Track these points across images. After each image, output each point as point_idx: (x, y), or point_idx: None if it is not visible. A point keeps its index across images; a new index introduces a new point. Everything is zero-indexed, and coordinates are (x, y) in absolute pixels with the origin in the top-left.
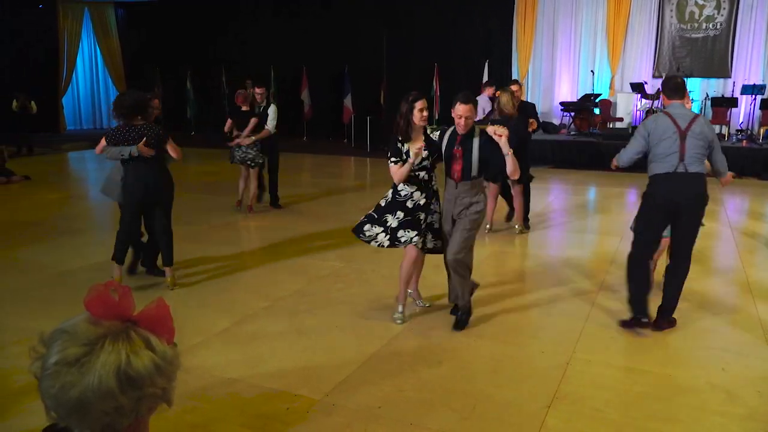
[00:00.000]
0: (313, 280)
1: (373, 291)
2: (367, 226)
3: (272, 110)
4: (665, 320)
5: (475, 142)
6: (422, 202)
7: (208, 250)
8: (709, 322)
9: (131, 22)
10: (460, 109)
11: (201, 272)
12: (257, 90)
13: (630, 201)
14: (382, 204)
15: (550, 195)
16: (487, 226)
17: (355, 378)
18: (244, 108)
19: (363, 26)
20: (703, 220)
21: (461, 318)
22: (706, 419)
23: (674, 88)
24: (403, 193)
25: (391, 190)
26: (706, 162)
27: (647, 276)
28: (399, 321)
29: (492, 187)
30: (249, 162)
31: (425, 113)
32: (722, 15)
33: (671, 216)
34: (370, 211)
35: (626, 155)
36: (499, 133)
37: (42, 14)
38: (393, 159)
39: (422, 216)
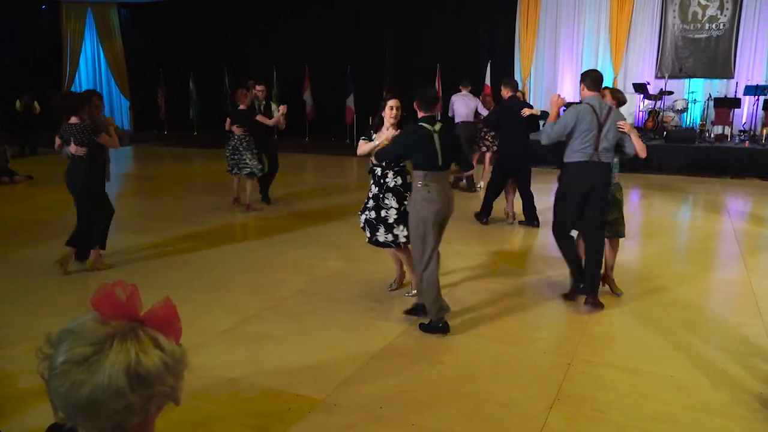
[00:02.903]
0: (315, 280)
1: (375, 291)
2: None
3: (275, 107)
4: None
5: None
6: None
7: (210, 251)
8: (710, 323)
9: (134, 23)
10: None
11: (203, 272)
12: (258, 88)
13: (632, 201)
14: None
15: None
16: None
17: (357, 378)
18: (241, 107)
19: (365, 26)
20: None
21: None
22: (708, 421)
23: (595, 80)
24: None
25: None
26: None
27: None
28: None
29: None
30: (247, 173)
31: (395, 111)
32: (725, 15)
33: (583, 199)
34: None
35: (549, 137)
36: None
37: (45, 14)
38: (363, 137)
39: (370, 205)
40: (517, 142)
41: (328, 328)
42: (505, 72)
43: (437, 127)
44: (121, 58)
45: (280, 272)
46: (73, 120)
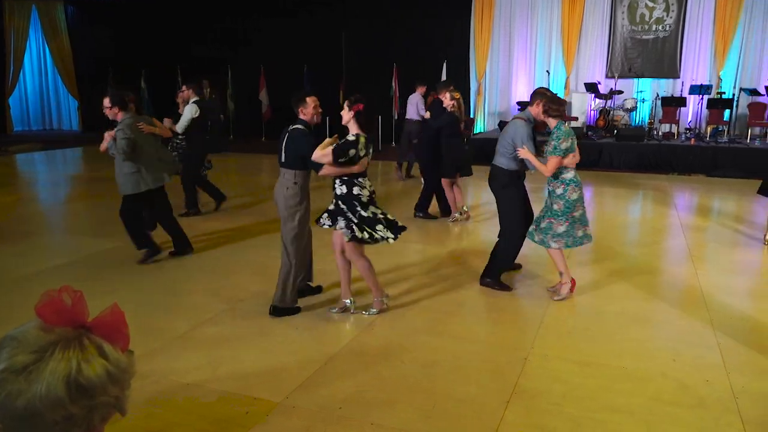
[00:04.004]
0: (273, 281)
1: (333, 292)
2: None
3: (187, 109)
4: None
5: None
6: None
7: (164, 253)
8: (660, 315)
9: (82, 20)
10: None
11: (159, 276)
12: (183, 87)
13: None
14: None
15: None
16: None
17: (316, 379)
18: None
19: (322, 26)
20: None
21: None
22: (659, 409)
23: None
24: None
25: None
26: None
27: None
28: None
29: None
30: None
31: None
32: (671, 17)
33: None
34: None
35: None
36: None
37: None
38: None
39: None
40: (428, 142)
41: (287, 330)
42: (460, 71)
43: (291, 126)
44: (69, 57)
45: (238, 274)
46: None
